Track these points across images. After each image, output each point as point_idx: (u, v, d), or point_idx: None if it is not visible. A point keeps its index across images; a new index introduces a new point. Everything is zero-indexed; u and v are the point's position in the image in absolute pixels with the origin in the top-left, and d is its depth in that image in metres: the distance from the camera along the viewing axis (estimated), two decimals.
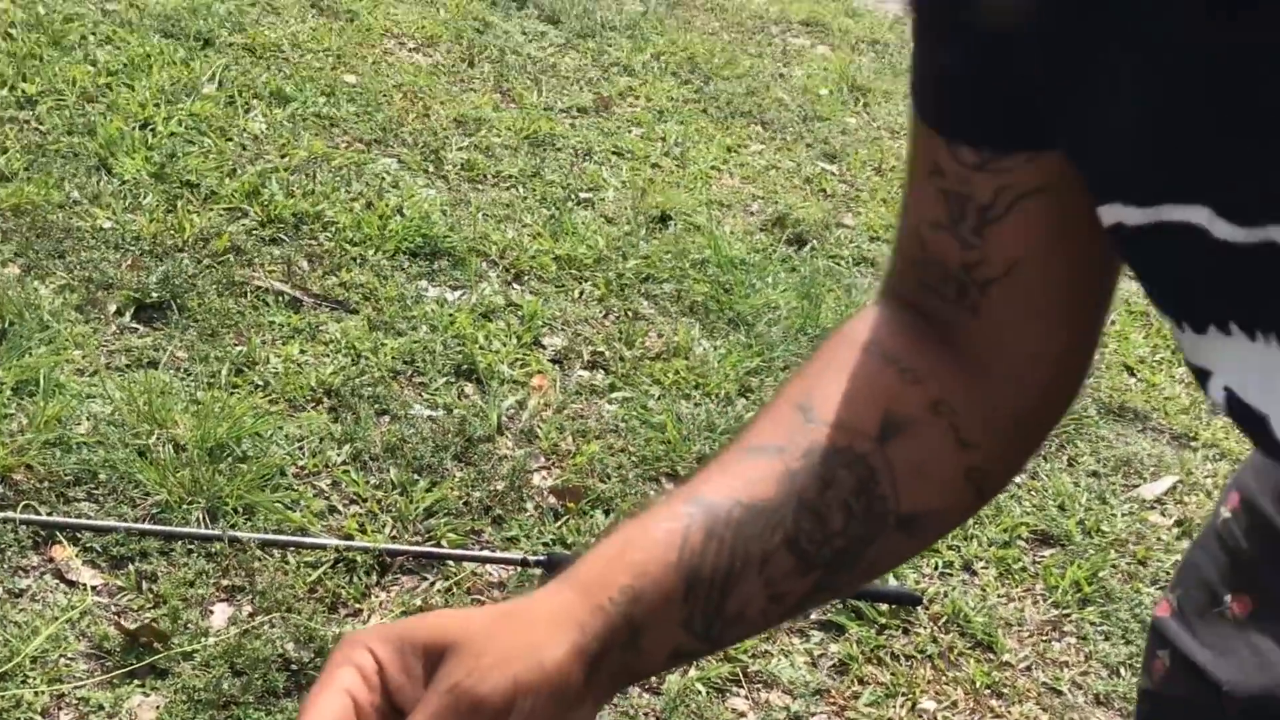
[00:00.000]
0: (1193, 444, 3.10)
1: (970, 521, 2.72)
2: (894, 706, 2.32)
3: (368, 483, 2.49)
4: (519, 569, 2.39)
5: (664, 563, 0.65)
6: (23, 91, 3.47)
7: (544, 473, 2.65)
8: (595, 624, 0.62)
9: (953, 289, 0.74)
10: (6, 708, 1.96)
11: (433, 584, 2.34)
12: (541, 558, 2.40)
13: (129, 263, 2.90)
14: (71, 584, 2.17)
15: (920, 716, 2.32)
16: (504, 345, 2.93)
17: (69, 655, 2.07)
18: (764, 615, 0.68)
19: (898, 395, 0.72)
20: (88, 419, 2.44)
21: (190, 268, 2.93)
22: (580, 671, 0.61)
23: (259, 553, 2.27)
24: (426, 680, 0.58)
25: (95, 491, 2.32)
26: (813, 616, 2.47)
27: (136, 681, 2.06)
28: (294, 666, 2.13)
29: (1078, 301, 0.75)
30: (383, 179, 3.49)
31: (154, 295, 2.81)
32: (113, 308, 2.77)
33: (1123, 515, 2.85)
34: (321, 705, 0.56)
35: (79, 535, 2.22)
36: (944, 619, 2.50)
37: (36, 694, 1.99)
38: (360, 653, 0.58)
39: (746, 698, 2.29)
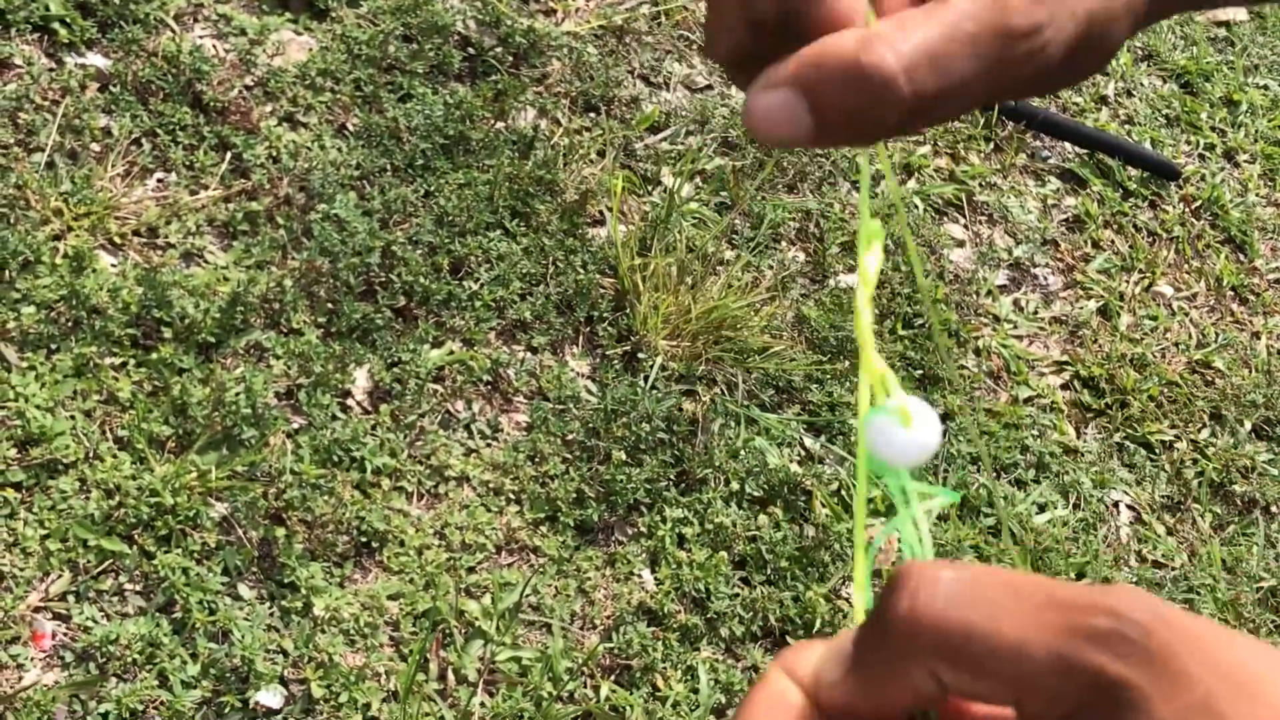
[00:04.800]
0: None
1: (1242, 105, 2.31)
2: (1126, 280, 1.99)
3: None
4: None
5: None
6: None
7: None
8: None
9: None
10: None
11: None
12: None
13: None
14: None
15: (1154, 299, 1.99)
16: None
17: None
18: None
19: None
20: None
21: None
22: None
23: None
24: None
25: None
26: (1050, 162, 2.10)
27: (288, 16, 1.70)
28: (472, 49, 1.76)
29: None
30: None
31: None
32: None
33: None
34: None
35: None
36: (1198, 203, 2.13)
37: None
38: None
39: (966, 228, 1.95)
